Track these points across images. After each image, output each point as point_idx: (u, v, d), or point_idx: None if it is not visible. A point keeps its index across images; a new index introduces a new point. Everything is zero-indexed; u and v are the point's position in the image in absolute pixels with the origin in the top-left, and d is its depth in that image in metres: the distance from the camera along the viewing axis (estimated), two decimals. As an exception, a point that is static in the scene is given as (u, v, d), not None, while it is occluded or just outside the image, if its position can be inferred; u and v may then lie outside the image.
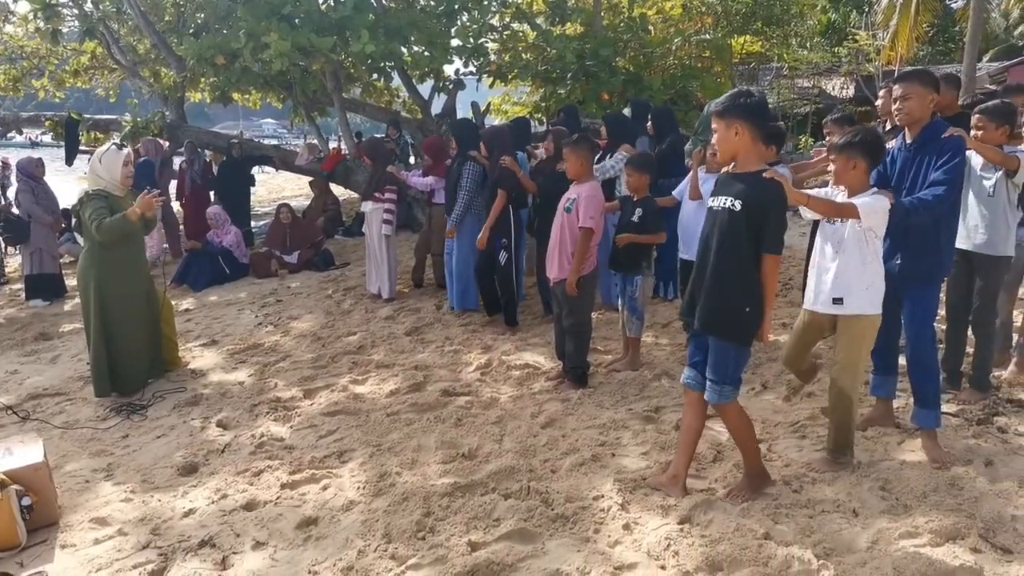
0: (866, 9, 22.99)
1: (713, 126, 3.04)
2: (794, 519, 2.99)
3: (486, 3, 11.65)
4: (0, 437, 4.19)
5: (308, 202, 12.04)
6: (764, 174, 2.95)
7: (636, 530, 3.00)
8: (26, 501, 3.19)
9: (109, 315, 4.79)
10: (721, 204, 3.03)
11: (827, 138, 5.40)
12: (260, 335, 6.30)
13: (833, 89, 19.65)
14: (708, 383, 3.13)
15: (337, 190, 12.51)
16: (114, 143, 5.25)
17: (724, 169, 3.16)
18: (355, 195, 13.74)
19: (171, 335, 5.41)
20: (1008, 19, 27.99)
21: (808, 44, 19.93)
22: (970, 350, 4.20)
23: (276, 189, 20.44)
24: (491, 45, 12.64)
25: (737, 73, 18.70)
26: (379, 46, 9.70)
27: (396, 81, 13.15)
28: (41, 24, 11.59)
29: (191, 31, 12.17)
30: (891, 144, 3.57)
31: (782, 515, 3.03)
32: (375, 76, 12.13)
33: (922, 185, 3.33)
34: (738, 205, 2.95)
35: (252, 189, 11.55)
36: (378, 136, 9.30)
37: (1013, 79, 16.35)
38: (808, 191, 3.27)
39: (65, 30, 13.65)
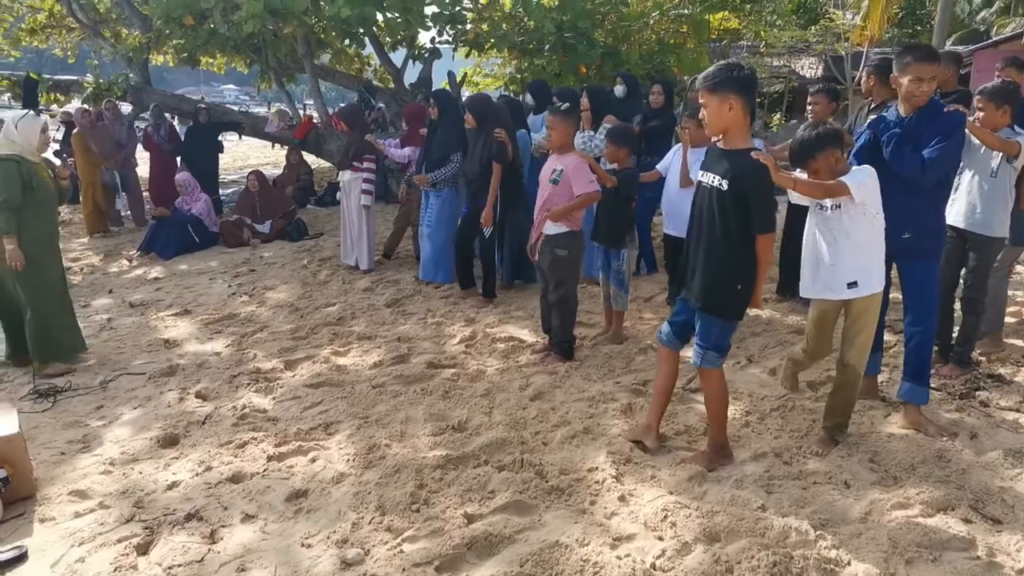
0: (839, -12, 23.08)
1: (702, 100, 2.98)
2: (787, 491, 3.02)
3: (464, -32, 11.38)
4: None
5: (277, 171, 11.73)
6: (752, 154, 2.92)
7: (632, 502, 2.99)
8: (1, 473, 3.07)
9: (40, 282, 4.62)
10: (710, 182, 3.03)
11: (809, 107, 5.37)
12: (235, 305, 6.15)
13: (802, 69, 19.72)
14: (694, 346, 3.17)
15: (309, 159, 12.23)
16: (30, 111, 5.12)
17: (713, 140, 3.13)
18: (326, 164, 13.48)
19: None
20: (972, 3, 28.41)
21: (781, 22, 19.95)
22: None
23: (241, 157, 19.96)
24: (468, 14, 12.37)
25: (709, 50, 18.64)
26: (354, 10, 9.43)
27: (368, 49, 12.82)
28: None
29: (158, -10, 11.69)
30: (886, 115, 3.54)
31: (775, 486, 3.06)
32: (347, 42, 11.81)
33: None
34: (725, 185, 2.95)
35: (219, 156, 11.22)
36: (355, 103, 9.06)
37: (978, 63, 16.59)
38: (794, 174, 3.23)
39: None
